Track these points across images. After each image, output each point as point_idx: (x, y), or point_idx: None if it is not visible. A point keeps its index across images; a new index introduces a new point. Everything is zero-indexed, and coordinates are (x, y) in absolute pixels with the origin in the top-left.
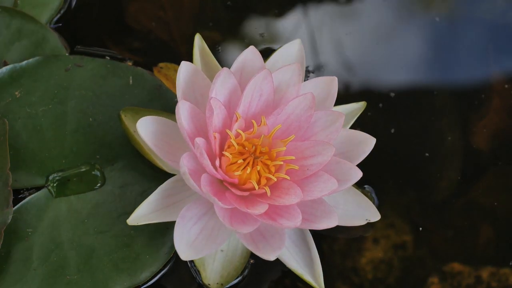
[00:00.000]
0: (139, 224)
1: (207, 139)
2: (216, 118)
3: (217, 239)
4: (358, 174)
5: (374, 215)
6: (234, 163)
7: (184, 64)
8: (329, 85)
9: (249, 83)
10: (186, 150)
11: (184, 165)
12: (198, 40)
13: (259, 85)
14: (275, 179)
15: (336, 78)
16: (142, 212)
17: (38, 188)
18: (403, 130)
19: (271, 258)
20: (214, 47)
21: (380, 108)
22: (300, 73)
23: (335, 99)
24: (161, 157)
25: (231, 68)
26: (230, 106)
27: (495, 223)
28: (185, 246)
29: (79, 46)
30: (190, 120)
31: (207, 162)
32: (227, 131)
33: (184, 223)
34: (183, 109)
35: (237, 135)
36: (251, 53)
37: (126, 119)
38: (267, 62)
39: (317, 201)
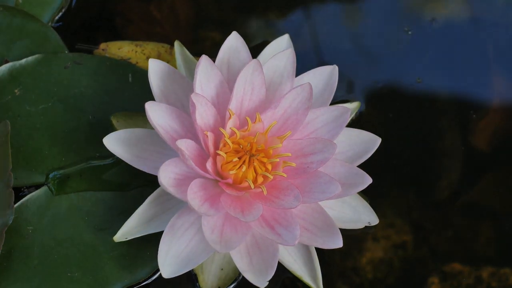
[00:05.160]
0: (128, 239)
1: (197, 140)
2: (205, 115)
3: (208, 247)
4: (367, 181)
5: (372, 220)
6: (229, 162)
7: (153, 63)
8: (329, 75)
9: (238, 76)
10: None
11: (166, 175)
12: (178, 46)
13: (249, 78)
14: (271, 177)
15: (336, 67)
16: (131, 225)
17: (38, 186)
18: (403, 130)
19: (262, 280)
20: (214, 48)
21: (380, 108)
22: (294, 60)
23: (334, 90)
24: (143, 170)
25: (216, 61)
26: (219, 102)
27: (495, 223)
28: (171, 258)
29: (79, 44)
30: (173, 122)
31: (190, 163)
32: (221, 129)
33: (173, 232)
34: (154, 111)
35: (232, 133)
36: (234, 40)
37: (118, 125)
38: (258, 58)
39: (317, 210)
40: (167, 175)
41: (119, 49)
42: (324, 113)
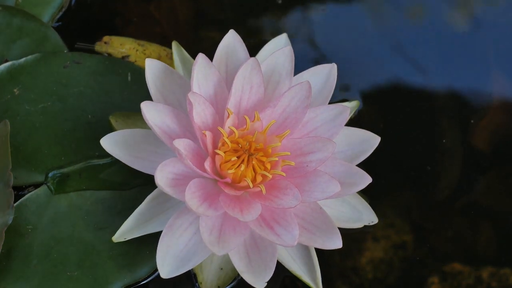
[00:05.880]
0: (127, 239)
1: (195, 139)
2: (203, 114)
3: (207, 247)
4: (367, 180)
5: (371, 219)
6: (228, 161)
7: (150, 62)
8: (328, 73)
9: (237, 74)
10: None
11: (164, 175)
12: (175, 47)
13: (248, 77)
14: (270, 176)
15: (335, 65)
16: (129, 225)
17: (37, 185)
18: (403, 129)
19: (261, 281)
20: (214, 48)
21: (379, 107)
22: (292, 59)
23: (333, 88)
24: (141, 171)
25: (213, 59)
26: (217, 101)
27: (495, 223)
28: (170, 259)
29: (79, 43)
30: (171, 122)
31: (188, 163)
32: (219, 128)
33: (172, 232)
34: (150, 111)
35: (231, 132)
36: (232, 38)
37: (117, 125)
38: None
39: (317, 210)
40: (164, 175)
41: (121, 44)
42: (323, 112)
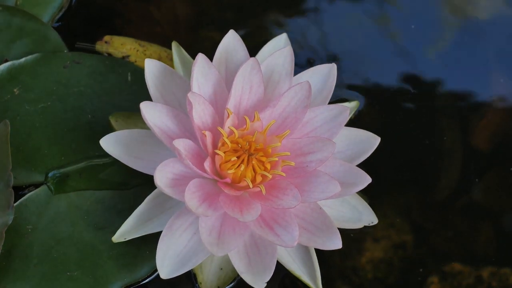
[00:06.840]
0: (127, 239)
1: (195, 139)
2: (202, 114)
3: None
4: (366, 180)
5: (371, 220)
6: (228, 161)
7: (149, 63)
8: (327, 73)
9: (236, 74)
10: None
11: (163, 175)
12: (175, 47)
13: (247, 77)
14: (270, 176)
15: (335, 65)
16: (129, 226)
17: (37, 185)
18: (403, 130)
19: (260, 282)
20: (214, 48)
21: (379, 107)
22: (292, 59)
23: (333, 89)
24: (141, 171)
25: (213, 59)
26: (217, 101)
27: (495, 223)
28: (169, 259)
29: (79, 43)
30: (170, 122)
31: (188, 163)
32: (219, 128)
33: (172, 232)
34: (149, 111)
35: (230, 132)
36: (232, 38)
37: (117, 125)
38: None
39: (317, 210)
40: (164, 175)
41: (122, 44)
42: (323, 112)
